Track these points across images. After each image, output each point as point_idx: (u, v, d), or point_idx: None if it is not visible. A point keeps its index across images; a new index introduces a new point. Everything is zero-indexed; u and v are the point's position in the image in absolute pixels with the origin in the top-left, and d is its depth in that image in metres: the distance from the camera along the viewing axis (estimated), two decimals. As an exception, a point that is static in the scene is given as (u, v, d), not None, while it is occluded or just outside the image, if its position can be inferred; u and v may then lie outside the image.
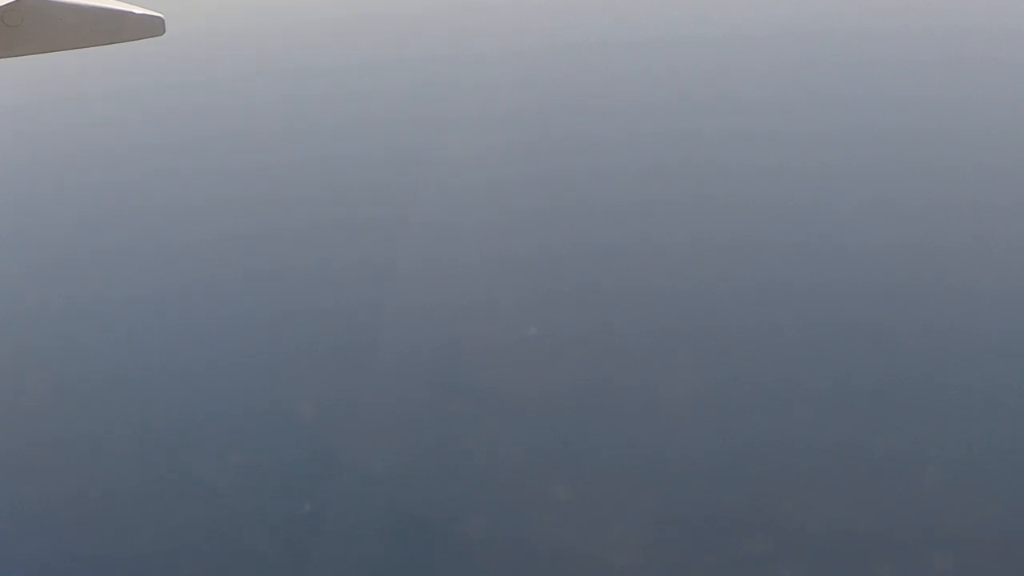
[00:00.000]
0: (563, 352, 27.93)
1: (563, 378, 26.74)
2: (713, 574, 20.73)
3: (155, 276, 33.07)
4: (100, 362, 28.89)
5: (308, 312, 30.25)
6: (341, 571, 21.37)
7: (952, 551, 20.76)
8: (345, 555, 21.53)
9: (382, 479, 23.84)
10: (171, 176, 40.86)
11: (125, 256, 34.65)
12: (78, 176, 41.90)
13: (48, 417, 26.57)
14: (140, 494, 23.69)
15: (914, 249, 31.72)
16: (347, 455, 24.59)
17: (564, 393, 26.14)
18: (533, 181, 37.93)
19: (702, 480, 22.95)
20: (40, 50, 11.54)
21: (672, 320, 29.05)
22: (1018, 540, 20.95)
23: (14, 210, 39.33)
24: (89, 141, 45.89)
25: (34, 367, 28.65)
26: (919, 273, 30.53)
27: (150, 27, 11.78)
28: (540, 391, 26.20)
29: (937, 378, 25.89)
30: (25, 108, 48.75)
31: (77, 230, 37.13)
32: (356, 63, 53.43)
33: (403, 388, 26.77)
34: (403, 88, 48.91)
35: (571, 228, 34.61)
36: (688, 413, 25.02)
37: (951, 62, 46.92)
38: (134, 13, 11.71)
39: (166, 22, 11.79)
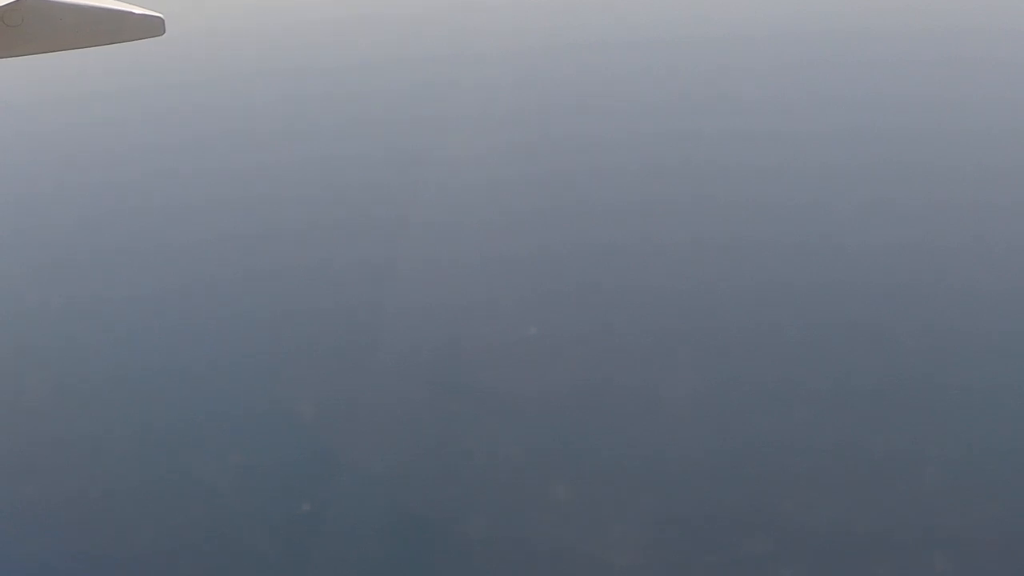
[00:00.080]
0: (563, 352, 27.93)
1: (563, 378, 26.74)
2: (713, 574, 20.73)
3: (155, 276, 33.07)
4: (100, 362, 28.89)
5: (308, 312, 30.24)
6: (341, 571, 21.37)
7: (952, 551, 20.76)
8: (345, 555, 21.53)
9: (382, 479, 23.84)
10: (171, 176, 40.87)
11: (125, 256, 34.65)
12: (78, 176, 41.90)
13: (48, 417, 26.57)
14: (140, 494, 23.69)
15: (914, 249, 31.72)
16: (347, 455, 24.59)
17: (564, 393, 26.14)
18: (533, 181, 37.93)
19: (702, 480, 22.95)
20: (40, 50, 11.54)
21: (672, 320, 29.05)
22: (1018, 540, 20.95)
23: (14, 210, 39.33)
24: (89, 141, 45.89)
25: (34, 367, 28.65)
26: (919, 273, 30.53)
27: (150, 27, 11.78)
28: (540, 391, 26.20)
29: (937, 378, 25.89)
30: (25, 108, 48.75)
31: (77, 230, 37.13)
32: (356, 63, 53.43)
33: (403, 388, 26.77)
34: (403, 88, 48.92)
35: (571, 228, 34.61)
36: (688, 413, 25.01)
37: (951, 62, 46.92)
38: (134, 13, 11.71)
39: (166, 22, 11.79)
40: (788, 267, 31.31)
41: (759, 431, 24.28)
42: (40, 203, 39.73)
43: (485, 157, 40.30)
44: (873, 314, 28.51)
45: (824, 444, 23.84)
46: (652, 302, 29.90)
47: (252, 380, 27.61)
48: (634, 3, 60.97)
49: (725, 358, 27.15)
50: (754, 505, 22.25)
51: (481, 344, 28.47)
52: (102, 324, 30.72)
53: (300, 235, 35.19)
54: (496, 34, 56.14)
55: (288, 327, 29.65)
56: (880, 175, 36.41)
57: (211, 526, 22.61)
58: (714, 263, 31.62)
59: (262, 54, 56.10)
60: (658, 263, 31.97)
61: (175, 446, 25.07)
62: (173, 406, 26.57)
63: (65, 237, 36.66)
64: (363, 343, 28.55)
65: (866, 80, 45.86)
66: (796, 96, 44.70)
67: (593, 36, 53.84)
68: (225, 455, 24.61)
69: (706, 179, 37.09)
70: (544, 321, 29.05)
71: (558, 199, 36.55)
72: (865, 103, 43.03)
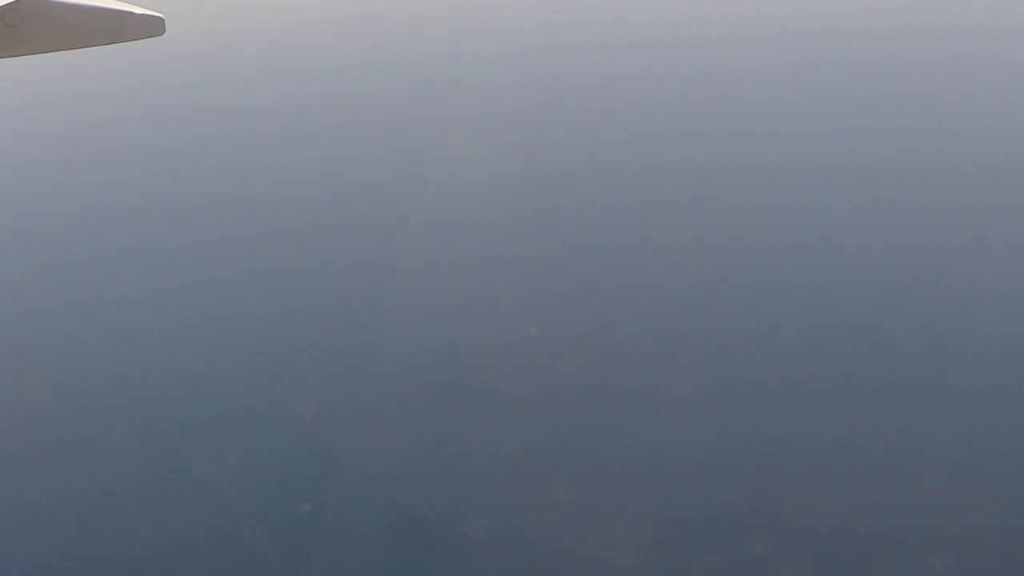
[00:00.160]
0: (563, 352, 27.93)
1: (563, 378, 26.74)
2: (713, 574, 20.73)
3: (155, 276, 33.07)
4: (100, 362, 28.88)
5: (308, 312, 30.24)
6: (341, 571, 21.37)
7: (952, 551, 20.76)
8: (345, 555, 21.53)
9: (382, 479, 23.84)
10: (171, 176, 40.86)
11: (125, 256, 34.65)
12: (78, 176, 41.90)
13: (48, 417, 26.57)
14: (140, 494, 23.69)
15: (914, 249, 31.72)
16: (347, 455, 24.59)
17: (564, 393, 26.14)
18: (533, 181, 37.93)
19: (702, 480, 22.95)
20: (40, 50, 11.54)
21: (672, 320, 29.05)
22: (1018, 540, 20.95)
23: (14, 210, 39.33)
24: (89, 141, 45.89)
25: (34, 367, 28.65)
26: (919, 273, 30.53)
27: (150, 27, 11.78)
28: (540, 391, 26.20)
29: (937, 378, 25.89)
30: (25, 108, 48.74)
31: (77, 230, 37.13)
32: (356, 63, 53.43)
33: (403, 388, 26.77)
34: (403, 88, 48.91)
35: (571, 228, 34.61)
36: (688, 413, 25.01)
37: (951, 62, 46.92)
38: (134, 13, 11.71)
39: (166, 22, 11.79)
40: (788, 267, 31.31)
41: (759, 431, 24.28)
42: (40, 203, 39.73)
43: (485, 157, 40.30)
44: (873, 314, 28.51)
45: (824, 444, 23.84)
46: (652, 302, 29.90)
47: (252, 380, 27.61)
48: (634, 3, 60.97)
49: (725, 358, 27.15)
50: (754, 505, 22.25)
51: (481, 344, 28.47)
52: (102, 324, 30.72)
53: (300, 235, 35.19)
54: (496, 34, 56.13)
55: (288, 327, 29.65)
56: (880, 175, 36.41)
57: (211, 526, 22.61)
58: (714, 263, 31.62)
59: (262, 54, 56.10)
60: (658, 263, 31.97)
61: (175, 446, 25.07)
62: (173, 406, 26.57)
63: (65, 237, 36.66)
64: (363, 343, 28.55)
65: (866, 80, 45.86)
66: (796, 96, 44.70)
67: (593, 36, 53.84)
68: (225, 455, 24.61)
69: (706, 179, 37.09)
70: (544, 321, 29.05)
71: (558, 199, 36.55)
72: (865, 103, 43.02)
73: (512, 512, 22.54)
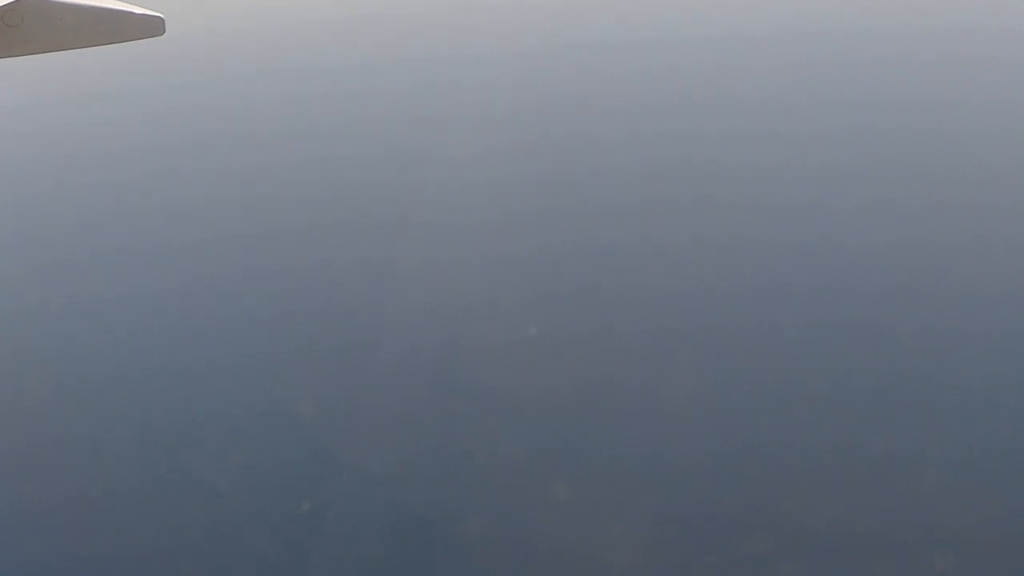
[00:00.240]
0: (563, 352, 27.92)
1: (563, 378, 26.73)
2: (713, 574, 20.73)
3: (155, 276, 33.07)
4: (100, 362, 28.88)
5: (308, 312, 30.24)
6: (341, 571, 21.37)
7: (952, 551, 20.76)
8: (345, 555, 21.53)
9: (382, 479, 23.84)
10: (171, 176, 40.86)
11: (125, 256, 34.65)
12: (78, 176, 41.89)
13: (48, 417, 26.56)
14: (140, 494, 23.69)
15: (914, 249, 31.71)
16: (347, 455, 24.59)
17: (564, 393, 26.13)
18: (533, 181, 37.92)
19: (702, 480, 22.94)
20: (40, 50, 11.54)
21: (672, 320, 29.05)
22: (1018, 540, 20.95)
23: (14, 210, 39.32)
24: (89, 141, 45.88)
25: (34, 367, 28.64)
26: (919, 273, 30.52)
27: (150, 27, 11.78)
28: (540, 391, 26.20)
29: (937, 378, 25.89)
30: (25, 108, 48.74)
31: (77, 230, 37.12)
32: (356, 63, 53.42)
33: (403, 388, 26.76)
34: (403, 88, 48.91)
35: (571, 228, 34.61)
36: (688, 413, 25.01)
37: (951, 62, 46.91)
38: (134, 13, 11.71)
39: (166, 22, 11.79)
40: (788, 267, 31.30)
41: (759, 431, 24.28)
42: (40, 203, 39.72)
43: (485, 157, 40.29)
44: (873, 314, 28.50)
45: (824, 444, 23.83)
46: (652, 302, 29.89)
47: (252, 380, 27.61)
48: (634, 3, 60.97)
49: (725, 358, 27.14)
50: (754, 505, 22.25)
51: (481, 344, 28.47)
52: (102, 324, 30.71)
53: (300, 235, 35.18)
54: (496, 34, 56.13)
55: (288, 327, 29.65)
56: (880, 175, 36.41)
57: (211, 526, 22.61)
58: (714, 263, 31.62)
59: (262, 54, 56.09)
60: (658, 263, 31.97)
61: (175, 446, 25.06)
62: (173, 406, 26.57)
63: (65, 237, 36.65)
64: (363, 343, 28.54)
65: (866, 80, 45.85)
66: (796, 96, 44.70)
67: (593, 36, 53.83)
68: (225, 455, 24.61)
69: (706, 179, 37.08)
70: (544, 321, 29.05)
71: (558, 199, 36.54)
72: (865, 103, 43.02)
73: (512, 512, 22.54)
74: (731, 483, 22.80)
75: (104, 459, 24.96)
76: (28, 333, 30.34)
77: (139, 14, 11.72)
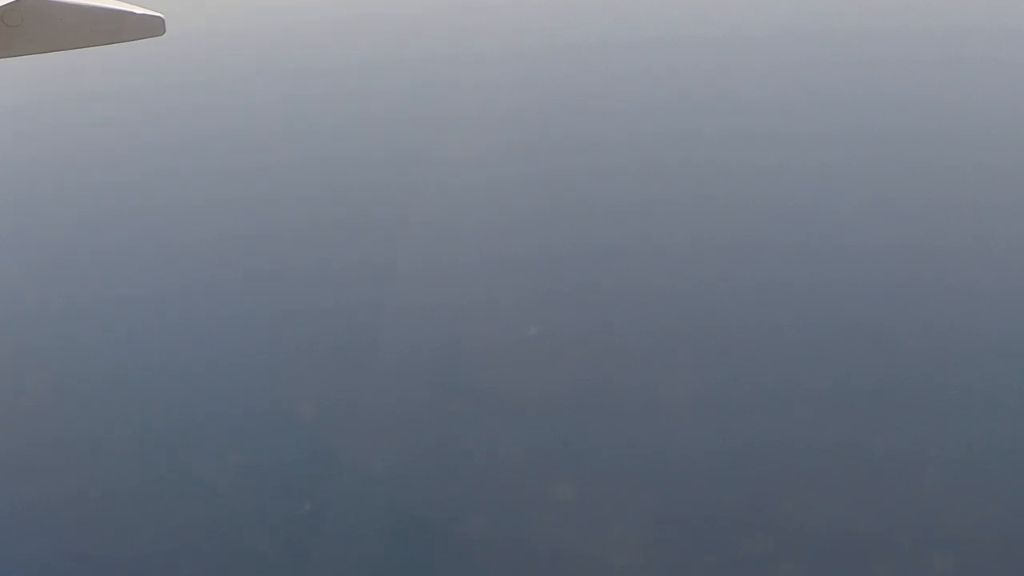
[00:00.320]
0: (563, 352, 27.92)
1: (563, 378, 26.73)
2: (713, 574, 20.73)
3: (155, 276, 33.07)
4: (100, 362, 28.88)
5: (308, 312, 30.24)
6: (341, 571, 21.37)
7: (952, 551, 20.76)
8: (345, 555, 21.53)
9: (382, 479, 23.84)
10: (171, 176, 40.86)
11: (125, 256, 34.65)
12: (78, 176, 41.90)
13: (48, 417, 26.56)
14: (140, 494, 23.69)
15: (914, 249, 31.71)
16: (347, 455, 24.59)
17: (564, 393, 26.13)
18: (533, 181, 37.93)
19: (702, 480, 22.94)
20: (40, 50, 11.54)
21: (672, 320, 29.05)
22: (1018, 540, 20.95)
23: (14, 210, 39.32)
24: (89, 141, 45.89)
25: (34, 367, 28.65)
26: (919, 273, 30.52)
27: (150, 27, 11.78)
28: (540, 391, 26.20)
29: (937, 378, 25.89)
30: (25, 108, 48.74)
31: (77, 230, 37.13)
32: (356, 63, 53.43)
33: (403, 388, 26.76)
34: (403, 88, 48.91)
35: (571, 228, 34.61)
36: (688, 413, 25.01)
37: (951, 62, 46.92)
38: (134, 13, 11.71)
39: (166, 22, 11.79)
40: (788, 267, 31.30)
41: (759, 431, 24.28)
42: (40, 203, 39.73)
43: (485, 157, 40.30)
44: (873, 314, 28.50)
45: (824, 444, 23.83)
46: (652, 302, 29.89)
47: (252, 380, 27.61)
48: (634, 3, 60.97)
49: (725, 358, 27.14)
50: (754, 505, 22.24)
51: (481, 344, 28.47)
52: (102, 324, 30.72)
53: (300, 235, 35.18)
54: (496, 34, 56.14)
55: (288, 327, 29.65)
56: (880, 175, 36.41)
57: (211, 526, 22.61)
58: (714, 263, 31.62)
59: (262, 54, 56.10)
60: (658, 263, 31.97)
61: (175, 446, 25.06)
62: (173, 406, 26.57)
63: (65, 237, 36.66)
64: (363, 343, 28.54)
65: (866, 80, 45.85)
66: (796, 96, 44.70)
67: (593, 36, 53.84)
68: (225, 455, 24.61)
69: (706, 179, 37.08)
70: (544, 321, 29.05)
71: (558, 199, 36.54)
72: (865, 103, 43.02)
73: (512, 512, 22.54)
74: (731, 483, 22.80)
75: (104, 459, 24.96)
76: (28, 333, 30.34)
77: (139, 14, 11.72)
